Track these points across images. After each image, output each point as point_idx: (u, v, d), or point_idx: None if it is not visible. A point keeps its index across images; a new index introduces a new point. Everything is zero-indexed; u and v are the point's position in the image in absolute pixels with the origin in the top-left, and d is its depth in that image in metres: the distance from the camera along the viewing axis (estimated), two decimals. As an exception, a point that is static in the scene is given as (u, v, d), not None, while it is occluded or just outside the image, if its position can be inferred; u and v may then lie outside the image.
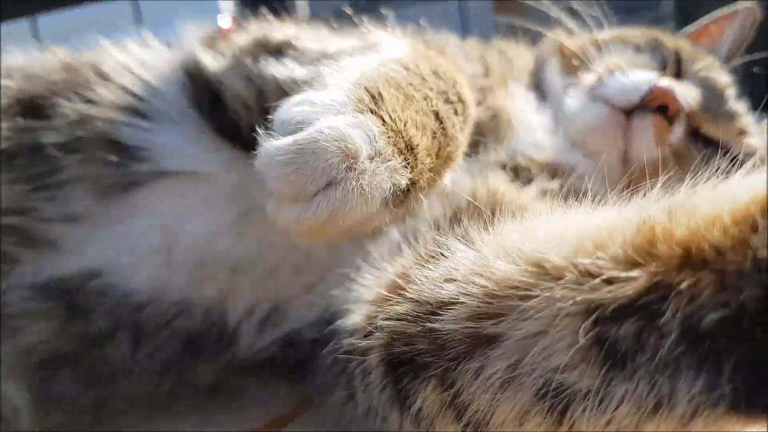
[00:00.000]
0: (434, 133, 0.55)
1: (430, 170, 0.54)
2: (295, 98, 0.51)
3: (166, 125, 0.73)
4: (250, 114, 0.69)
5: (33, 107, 0.72)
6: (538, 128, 0.82)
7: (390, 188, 0.49)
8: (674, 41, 0.93)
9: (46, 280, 0.71)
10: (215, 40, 0.80)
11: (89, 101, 0.72)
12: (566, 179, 0.74)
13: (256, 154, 0.48)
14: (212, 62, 0.74)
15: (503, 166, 0.77)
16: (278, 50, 0.69)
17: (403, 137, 0.51)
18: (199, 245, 0.72)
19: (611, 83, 0.79)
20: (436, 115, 0.57)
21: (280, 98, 0.53)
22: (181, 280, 0.72)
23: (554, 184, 0.75)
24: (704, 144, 0.82)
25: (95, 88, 0.73)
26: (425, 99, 0.56)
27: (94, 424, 0.74)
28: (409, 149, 0.51)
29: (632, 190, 0.48)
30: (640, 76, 0.78)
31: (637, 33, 0.94)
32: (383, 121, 0.50)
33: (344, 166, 0.45)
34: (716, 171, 0.43)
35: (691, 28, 1.13)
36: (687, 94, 0.79)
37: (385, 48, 0.66)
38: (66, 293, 0.71)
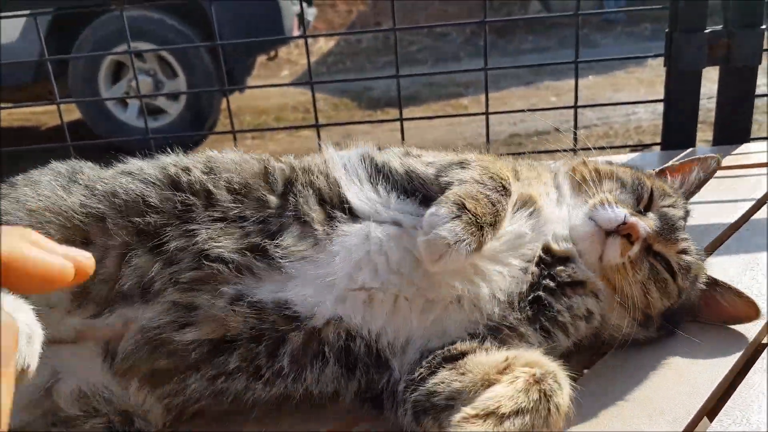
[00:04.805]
0: (492, 215, 1.07)
1: (489, 232, 1.06)
2: (430, 210, 1.04)
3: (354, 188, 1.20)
4: (397, 184, 1.20)
5: (290, 184, 1.19)
6: (555, 220, 1.25)
7: (470, 248, 1.01)
8: (651, 181, 1.30)
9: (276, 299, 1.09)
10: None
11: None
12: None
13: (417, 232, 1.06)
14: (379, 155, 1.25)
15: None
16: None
17: (477, 222, 1.03)
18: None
19: (601, 212, 1.19)
20: (492, 204, 1.08)
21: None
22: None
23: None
24: (654, 257, 1.23)
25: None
26: (486, 198, 1.08)
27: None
28: (479, 227, 1.03)
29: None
30: (619, 212, 1.18)
31: (627, 172, 1.34)
32: (468, 216, 1.02)
33: (445, 246, 1.00)
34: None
35: (674, 162, 1.53)
36: (646, 227, 1.18)
37: (470, 166, 1.15)
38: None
